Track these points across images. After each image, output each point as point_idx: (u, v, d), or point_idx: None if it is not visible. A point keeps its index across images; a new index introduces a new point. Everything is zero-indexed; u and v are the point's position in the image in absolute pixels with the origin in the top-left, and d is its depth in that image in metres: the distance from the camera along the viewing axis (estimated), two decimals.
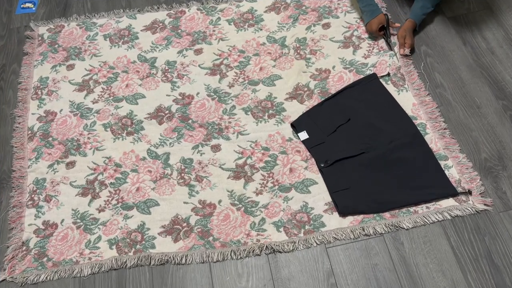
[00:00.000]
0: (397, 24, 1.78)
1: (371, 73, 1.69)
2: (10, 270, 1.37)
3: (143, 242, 1.40)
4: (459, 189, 1.42)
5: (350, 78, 1.69)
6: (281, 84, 1.70)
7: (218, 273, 1.34)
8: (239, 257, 1.36)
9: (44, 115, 1.68)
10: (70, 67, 1.80)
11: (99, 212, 1.46)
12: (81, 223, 1.44)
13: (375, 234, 1.37)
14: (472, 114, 1.60)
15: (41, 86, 1.75)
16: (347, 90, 1.65)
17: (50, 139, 1.62)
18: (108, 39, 1.87)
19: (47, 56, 1.84)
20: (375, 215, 1.40)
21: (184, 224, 1.42)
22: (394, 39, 1.77)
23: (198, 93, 1.70)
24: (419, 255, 1.34)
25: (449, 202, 1.41)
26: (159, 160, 1.55)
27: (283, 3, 1.93)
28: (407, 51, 1.71)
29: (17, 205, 1.49)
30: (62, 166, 1.56)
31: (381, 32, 1.76)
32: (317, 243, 1.37)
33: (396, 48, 1.75)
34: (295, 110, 1.63)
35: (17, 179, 1.54)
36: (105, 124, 1.64)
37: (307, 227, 1.39)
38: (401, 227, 1.38)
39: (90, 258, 1.38)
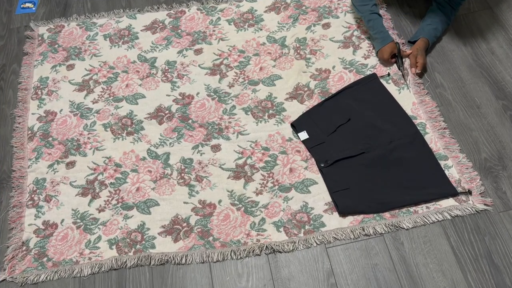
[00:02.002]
0: (409, 51, 1.70)
1: (371, 73, 1.69)
2: (10, 270, 1.37)
3: (143, 242, 1.40)
4: (459, 189, 1.42)
5: (350, 78, 1.69)
6: (281, 84, 1.70)
7: (218, 273, 1.34)
8: (239, 257, 1.36)
9: (44, 115, 1.68)
10: (70, 67, 1.80)
11: (99, 212, 1.46)
12: (81, 223, 1.44)
13: (375, 234, 1.37)
14: (472, 114, 1.60)
15: (41, 86, 1.75)
16: (347, 90, 1.65)
17: (50, 139, 1.62)
18: (108, 39, 1.87)
19: (47, 56, 1.84)
20: (375, 215, 1.40)
21: (184, 224, 1.42)
22: (406, 64, 1.70)
23: (198, 93, 1.70)
24: (419, 255, 1.34)
25: (449, 202, 1.41)
26: (159, 160, 1.55)
27: (283, 3, 1.93)
28: (418, 70, 1.65)
29: (17, 205, 1.49)
30: (62, 166, 1.56)
31: (393, 59, 1.70)
32: (317, 243, 1.37)
33: (408, 71, 1.68)
34: (295, 110, 1.63)
35: (17, 179, 1.54)
36: (105, 124, 1.64)
37: (307, 227, 1.39)
38: (401, 227, 1.38)
39: (90, 258, 1.38)
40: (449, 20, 1.76)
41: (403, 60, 1.70)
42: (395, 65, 1.71)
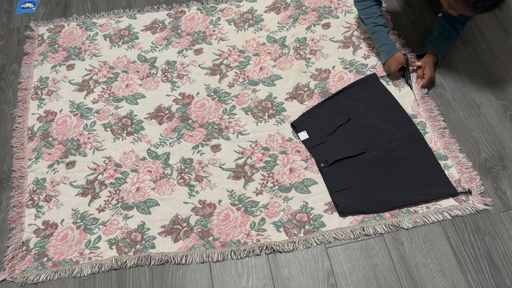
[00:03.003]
0: (418, 63, 1.63)
1: (371, 73, 1.69)
2: (10, 270, 1.37)
3: (143, 242, 1.40)
4: (459, 189, 1.42)
5: (350, 78, 1.69)
6: (281, 84, 1.70)
7: (218, 273, 1.34)
8: (239, 257, 1.36)
9: (44, 115, 1.68)
10: (70, 67, 1.80)
11: (99, 212, 1.46)
12: (81, 223, 1.44)
13: (375, 234, 1.37)
14: (472, 114, 1.60)
15: (41, 86, 1.75)
16: (347, 90, 1.65)
17: (50, 139, 1.62)
18: (108, 39, 1.87)
19: (47, 56, 1.84)
20: (375, 215, 1.40)
21: (184, 224, 1.42)
22: (414, 78, 1.65)
23: (198, 93, 1.70)
24: (419, 255, 1.34)
25: (449, 202, 1.41)
26: (159, 160, 1.55)
27: (283, 3, 1.93)
28: (424, 83, 1.60)
29: (17, 205, 1.49)
30: (62, 166, 1.56)
31: (400, 72, 1.65)
32: (317, 243, 1.37)
33: (415, 86, 1.63)
34: (295, 110, 1.63)
35: (17, 179, 1.54)
36: (105, 124, 1.64)
37: (307, 227, 1.39)
38: (401, 227, 1.38)
39: (90, 258, 1.38)
40: (458, 34, 1.68)
41: (411, 73, 1.65)
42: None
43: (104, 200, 1.48)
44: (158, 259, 1.36)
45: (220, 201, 1.46)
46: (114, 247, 1.39)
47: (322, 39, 1.81)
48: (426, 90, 1.63)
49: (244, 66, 1.76)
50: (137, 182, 1.51)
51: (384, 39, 1.64)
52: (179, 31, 1.88)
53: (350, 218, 1.40)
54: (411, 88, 1.64)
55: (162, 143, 1.59)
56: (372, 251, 1.35)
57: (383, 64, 1.68)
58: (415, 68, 1.65)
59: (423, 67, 1.62)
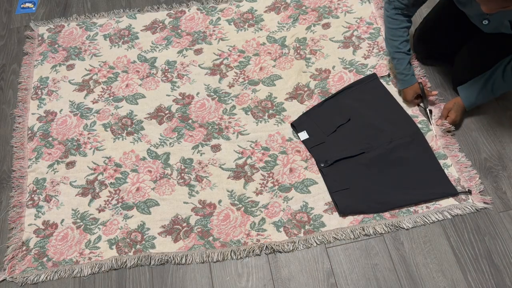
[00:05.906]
0: (435, 92, 1.57)
1: (371, 73, 1.69)
2: (10, 270, 1.37)
3: (143, 242, 1.40)
4: (459, 188, 1.42)
5: (350, 78, 1.69)
6: (281, 84, 1.70)
7: (218, 273, 1.34)
8: (239, 257, 1.36)
9: (44, 115, 1.68)
10: (70, 67, 1.80)
11: (99, 212, 1.46)
12: (81, 223, 1.44)
13: (375, 234, 1.37)
14: (472, 114, 1.60)
15: (41, 86, 1.75)
16: (347, 90, 1.65)
17: (50, 139, 1.62)
18: (108, 39, 1.87)
19: (47, 56, 1.84)
20: (375, 215, 1.40)
21: (184, 224, 1.42)
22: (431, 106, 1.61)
23: (198, 93, 1.70)
24: (419, 255, 1.34)
25: (449, 201, 1.41)
26: (159, 160, 1.55)
27: (283, 3, 1.93)
28: (445, 123, 1.52)
29: (17, 205, 1.49)
30: (62, 166, 1.56)
31: (417, 100, 1.60)
32: (317, 243, 1.37)
33: (433, 117, 1.58)
34: (295, 110, 1.63)
35: (17, 179, 1.54)
36: (105, 124, 1.64)
37: (307, 227, 1.39)
38: (401, 227, 1.38)
39: (90, 258, 1.38)
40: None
41: (429, 110, 1.59)
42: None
43: (104, 200, 1.48)
44: (158, 259, 1.36)
45: (220, 201, 1.46)
46: (114, 247, 1.39)
47: (322, 39, 1.81)
48: (453, 127, 1.54)
49: (244, 66, 1.76)
50: (137, 182, 1.51)
51: (403, 69, 1.57)
52: (179, 31, 1.88)
53: (350, 218, 1.40)
54: (429, 119, 1.57)
55: (162, 143, 1.59)
56: (372, 251, 1.35)
57: (399, 91, 1.64)
58: (433, 97, 1.60)
59: (450, 108, 1.54)
